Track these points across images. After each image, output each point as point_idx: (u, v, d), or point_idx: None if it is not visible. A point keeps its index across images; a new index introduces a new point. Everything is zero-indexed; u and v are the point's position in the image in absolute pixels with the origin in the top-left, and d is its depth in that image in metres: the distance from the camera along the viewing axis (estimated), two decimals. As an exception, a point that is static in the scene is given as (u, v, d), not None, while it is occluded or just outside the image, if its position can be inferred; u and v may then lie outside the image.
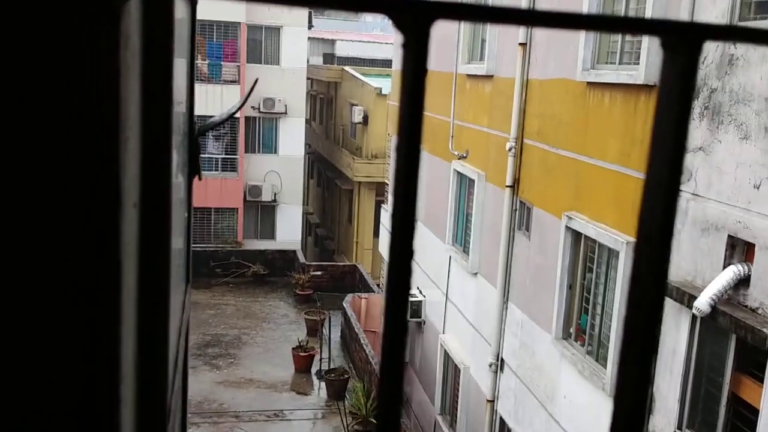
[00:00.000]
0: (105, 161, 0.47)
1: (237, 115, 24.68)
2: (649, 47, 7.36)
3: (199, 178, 1.61)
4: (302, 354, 17.46)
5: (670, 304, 6.99)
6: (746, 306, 6.07)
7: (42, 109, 0.47)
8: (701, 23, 0.53)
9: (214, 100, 24.08)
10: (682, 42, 0.52)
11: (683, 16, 6.86)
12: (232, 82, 25.12)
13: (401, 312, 0.53)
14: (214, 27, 25.05)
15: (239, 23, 25.01)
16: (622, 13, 8.20)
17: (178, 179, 1.44)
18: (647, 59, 7.37)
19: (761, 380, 5.93)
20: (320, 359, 17.35)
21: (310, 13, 26.85)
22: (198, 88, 27.01)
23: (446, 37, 13.50)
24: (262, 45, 25.94)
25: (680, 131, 0.53)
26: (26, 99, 0.47)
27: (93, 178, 0.47)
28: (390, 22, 0.54)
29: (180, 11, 1.23)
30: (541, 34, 10.03)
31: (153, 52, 0.66)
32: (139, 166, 0.64)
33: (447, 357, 13.42)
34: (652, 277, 0.55)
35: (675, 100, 0.53)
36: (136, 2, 0.57)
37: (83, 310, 0.51)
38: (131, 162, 0.57)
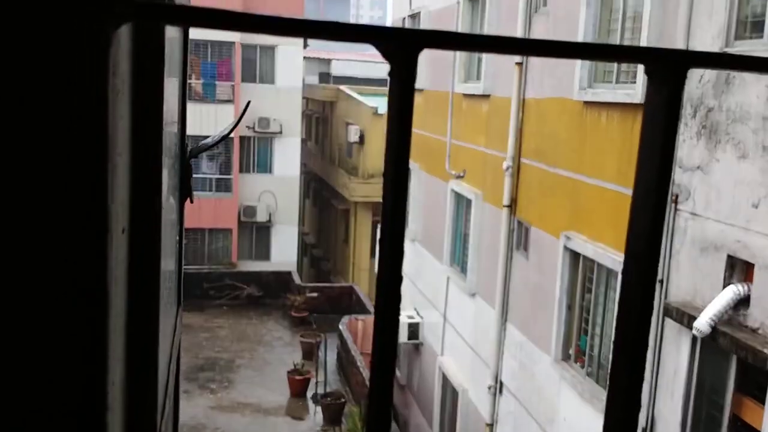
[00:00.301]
0: (93, 187, 0.47)
1: (231, 135, 24.73)
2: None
3: (191, 201, 1.60)
4: (298, 378, 17.32)
5: (670, 325, 6.96)
6: (746, 326, 6.05)
7: (31, 135, 0.47)
8: (686, 51, 0.53)
9: (208, 120, 24.11)
10: (667, 70, 0.52)
11: (679, 35, 6.91)
12: (227, 101, 25.18)
13: (390, 341, 0.52)
14: (209, 46, 25.15)
15: (234, 43, 25.11)
16: (619, 32, 8.26)
17: (169, 201, 1.43)
18: (644, 78, 7.41)
19: (763, 402, 5.90)
20: (316, 383, 17.22)
21: (307, 35, 26.95)
22: (192, 107, 27.01)
23: (442, 57, 13.58)
24: (257, 64, 26.04)
25: (665, 157, 0.53)
26: (16, 123, 0.47)
27: (80, 205, 0.46)
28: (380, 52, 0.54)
29: (171, 31, 1.23)
30: (536, 55, 10.09)
31: (143, 76, 0.66)
32: (129, 191, 0.64)
33: (445, 379, 13.34)
34: (640, 293, 0.54)
35: (660, 127, 0.53)
36: (127, 29, 0.57)
37: (70, 333, 0.50)
38: (120, 187, 0.57)
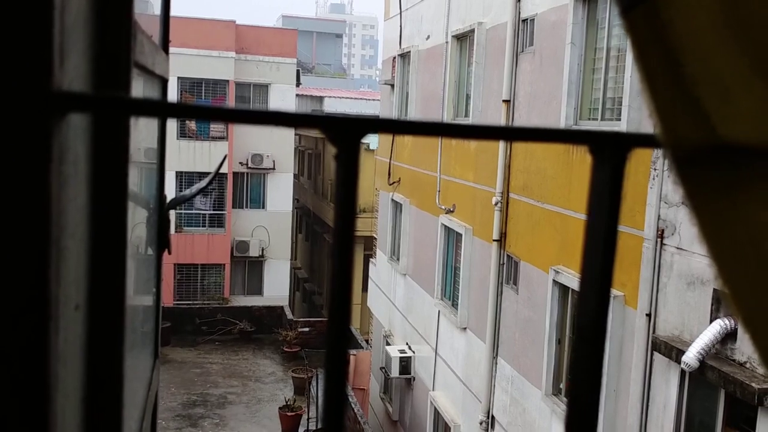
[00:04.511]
0: (32, 272, 0.47)
1: (225, 171, 24.80)
2: (630, 104, 7.50)
3: (169, 252, 1.61)
4: (289, 414, 17.15)
5: (658, 359, 6.96)
6: (734, 360, 6.05)
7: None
8: (627, 133, 0.55)
9: (202, 156, 24.20)
10: (610, 150, 0.53)
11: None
12: (220, 138, 25.31)
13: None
14: (203, 84, 25.37)
15: (228, 81, 25.33)
16: (603, 71, 8.36)
17: (147, 254, 1.44)
18: (629, 115, 7.49)
19: (752, 436, 5.88)
20: (308, 419, 17.05)
21: (297, 71, 27.25)
22: (186, 144, 26.81)
23: (432, 94, 13.71)
24: (251, 102, 26.23)
25: (610, 234, 0.54)
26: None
27: (19, 293, 0.46)
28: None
29: (149, 95, 1.25)
30: (524, 91, 10.21)
31: (105, 153, 0.66)
32: (85, 267, 0.64)
33: (437, 414, 13.23)
34: (589, 377, 0.55)
35: (605, 206, 0.54)
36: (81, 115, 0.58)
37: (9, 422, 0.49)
38: (72, 268, 0.57)
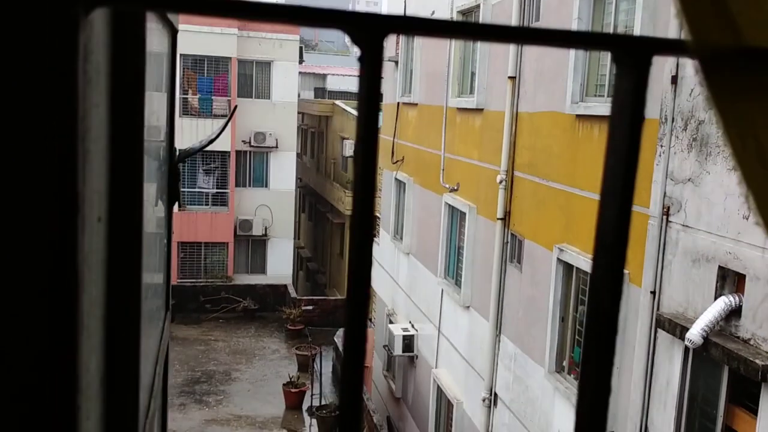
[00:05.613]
0: (61, 169, 0.47)
1: (228, 149, 24.77)
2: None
3: (179, 207, 1.61)
4: (293, 390, 17.27)
5: (662, 336, 6.97)
6: (738, 337, 6.06)
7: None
8: (650, 37, 0.54)
9: (204, 134, 24.13)
10: (632, 56, 0.53)
11: (672, 28, 6.94)
12: (223, 116, 25.25)
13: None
14: (205, 61, 25.25)
15: (230, 58, 25.22)
16: (612, 24, 8.30)
17: (158, 206, 1.44)
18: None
19: (755, 412, 5.90)
20: (311, 395, 17.17)
21: (300, 48, 27.12)
22: (189, 122, 26.74)
23: (436, 71, 13.65)
24: (253, 79, 26.13)
25: (632, 146, 0.54)
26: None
27: (49, 187, 0.47)
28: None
29: (159, 44, 1.24)
30: (530, 68, 10.15)
31: (123, 70, 0.66)
32: (107, 181, 0.64)
33: (440, 392, 13.30)
34: (609, 285, 0.55)
35: (628, 114, 0.54)
36: (103, 21, 0.58)
37: (38, 318, 0.50)
38: (96, 175, 0.58)
